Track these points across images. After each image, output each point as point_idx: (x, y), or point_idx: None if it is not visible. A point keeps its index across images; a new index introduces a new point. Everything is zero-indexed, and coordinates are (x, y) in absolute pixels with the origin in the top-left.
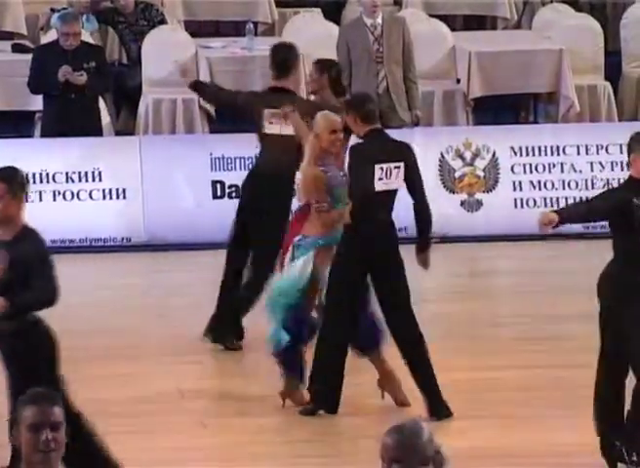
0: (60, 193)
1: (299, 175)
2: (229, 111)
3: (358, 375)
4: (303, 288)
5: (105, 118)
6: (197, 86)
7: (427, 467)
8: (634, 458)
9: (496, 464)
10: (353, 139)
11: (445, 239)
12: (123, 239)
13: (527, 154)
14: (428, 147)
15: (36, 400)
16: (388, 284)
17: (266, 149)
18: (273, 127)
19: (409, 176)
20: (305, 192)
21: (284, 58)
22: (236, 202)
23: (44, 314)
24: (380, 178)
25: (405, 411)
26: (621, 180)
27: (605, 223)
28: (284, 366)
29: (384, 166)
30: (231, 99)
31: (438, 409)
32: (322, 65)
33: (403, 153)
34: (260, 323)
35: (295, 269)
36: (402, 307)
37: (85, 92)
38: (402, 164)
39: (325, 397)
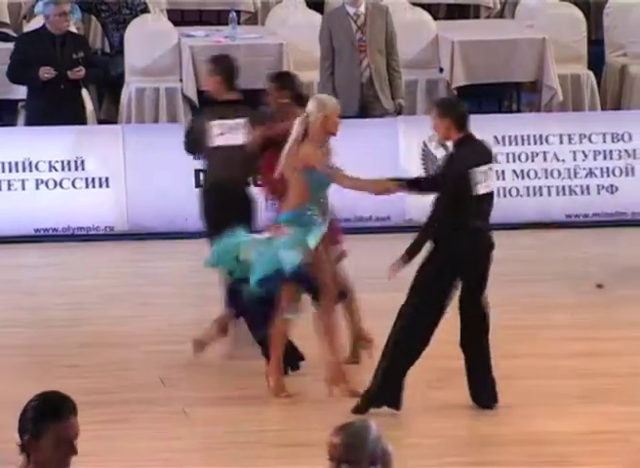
0: (42, 182)
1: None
2: None
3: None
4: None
5: (88, 107)
6: None
7: (376, 466)
8: None
9: (474, 452)
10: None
11: None
12: (106, 228)
13: (510, 143)
14: (411, 136)
15: (62, 412)
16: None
17: None
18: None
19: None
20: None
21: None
22: None
23: (23, 301)
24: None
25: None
26: (604, 169)
27: (588, 211)
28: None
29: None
30: None
31: None
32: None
33: (492, 155)
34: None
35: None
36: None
37: (81, 84)
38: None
39: (391, 394)
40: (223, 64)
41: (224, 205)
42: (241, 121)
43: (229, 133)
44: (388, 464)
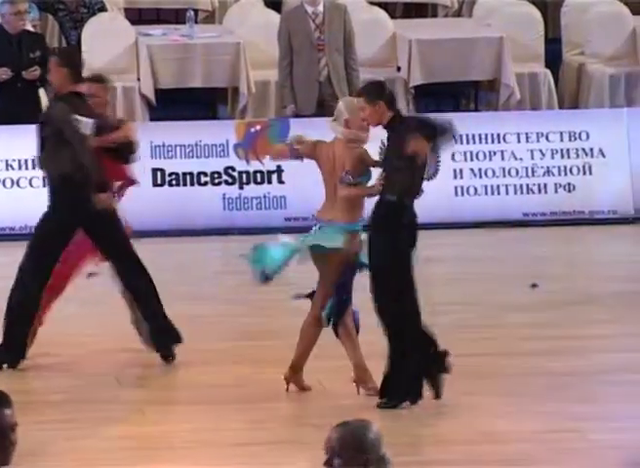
0: None
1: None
2: None
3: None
4: None
5: (46, 106)
6: None
7: None
8: None
9: (430, 451)
10: None
11: None
12: None
13: (467, 142)
14: (370, 134)
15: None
16: None
17: None
18: None
19: None
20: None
21: None
22: (177, 190)
23: None
24: None
25: (353, 398)
26: (562, 168)
27: (545, 210)
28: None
29: None
30: None
31: None
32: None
33: None
34: (201, 313)
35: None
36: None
37: (38, 83)
38: None
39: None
40: (69, 57)
41: (87, 200)
42: (90, 121)
43: (83, 130)
44: None
